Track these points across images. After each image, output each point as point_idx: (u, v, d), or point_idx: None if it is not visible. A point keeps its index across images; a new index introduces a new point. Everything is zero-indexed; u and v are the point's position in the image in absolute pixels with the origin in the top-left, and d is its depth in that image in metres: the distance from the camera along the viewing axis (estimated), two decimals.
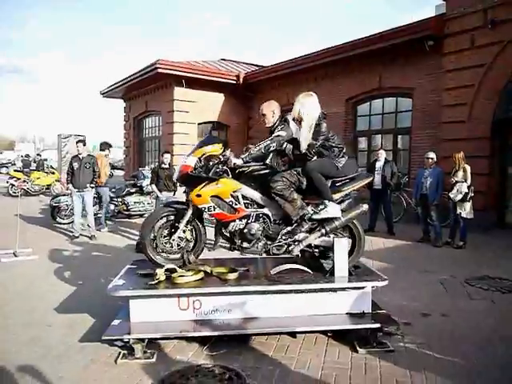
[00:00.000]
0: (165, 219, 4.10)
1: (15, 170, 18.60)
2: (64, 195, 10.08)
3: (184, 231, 4.03)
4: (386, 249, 7.78)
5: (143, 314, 3.65)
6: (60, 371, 3.23)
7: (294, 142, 3.98)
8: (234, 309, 3.74)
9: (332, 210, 3.86)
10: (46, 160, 22.64)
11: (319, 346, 3.68)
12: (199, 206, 3.89)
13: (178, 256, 4.08)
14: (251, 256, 4.34)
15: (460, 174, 7.68)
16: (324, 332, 3.83)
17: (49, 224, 9.90)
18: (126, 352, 3.48)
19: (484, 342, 3.79)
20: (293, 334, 3.81)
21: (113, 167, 32.89)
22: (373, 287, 3.94)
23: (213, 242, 4.18)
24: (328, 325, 3.72)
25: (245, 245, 4.00)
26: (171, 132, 16.28)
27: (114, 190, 10.81)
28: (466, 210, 7.61)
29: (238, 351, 3.55)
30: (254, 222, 3.93)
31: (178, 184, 6.70)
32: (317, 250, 4.23)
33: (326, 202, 3.86)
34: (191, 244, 4.13)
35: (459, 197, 7.54)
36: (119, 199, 10.66)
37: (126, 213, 10.71)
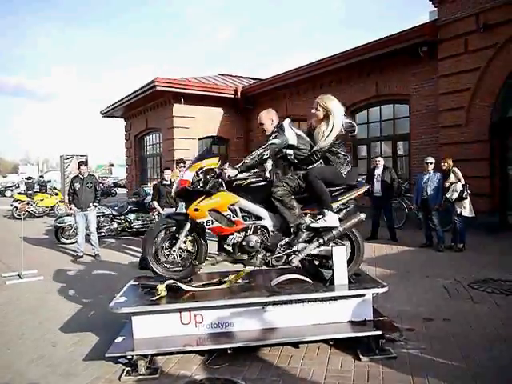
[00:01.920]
0: (167, 230, 4.11)
1: (19, 193, 18.75)
2: (68, 215, 10.16)
3: (185, 242, 4.04)
4: (389, 255, 7.78)
5: (146, 330, 3.68)
6: None
7: (295, 148, 3.98)
8: (236, 321, 3.77)
9: (330, 219, 3.88)
10: (49, 181, 22.83)
11: (322, 355, 3.69)
12: (197, 220, 3.91)
13: (180, 268, 4.10)
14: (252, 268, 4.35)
15: (452, 176, 7.85)
16: (326, 341, 3.82)
17: (53, 245, 9.97)
18: (129, 369, 3.50)
19: (488, 345, 3.78)
20: (295, 344, 3.82)
21: (116, 185, 33.17)
22: (373, 294, 3.95)
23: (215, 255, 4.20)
24: (329, 333, 3.73)
25: (244, 257, 4.01)
26: (172, 148, 16.42)
27: (116, 207, 10.89)
28: (466, 209, 7.69)
29: (242, 363, 3.56)
30: (253, 234, 3.95)
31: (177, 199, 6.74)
32: (317, 261, 4.26)
33: (325, 211, 3.89)
34: (193, 255, 4.11)
35: (455, 195, 7.67)
36: (122, 217, 10.72)
37: (129, 230, 10.77)
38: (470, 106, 9.97)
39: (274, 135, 3.99)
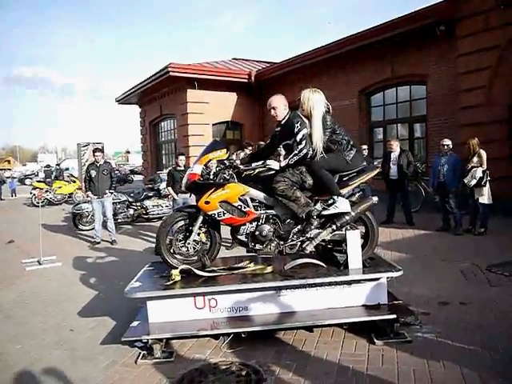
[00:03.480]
0: (181, 223, 4.14)
1: (38, 181, 19.08)
2: (85, 202, 10.29)
3: (198, 234, 4.07)
4: (405, 239, 7.70)
5: (161, 315, 3.72)
6: (83, 373, 3.33)
7: None
8: (250, 306, 3.78)
9: (341, 205, 3.84)
10: (67, 169, 23.13)
11: (336, 339, 3.69)
12: (209, 213, 3.90)
13: (195, 259, 4.12)
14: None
15: (475, 159, 7.56)
16: (340, 325, 3.82)
17: (71, 231, 10.13)
18: (145, 352, 3.56)
19: (505, 330, 3.72)
20: (309, 328, 3.82)
21: (132, 172, 33.45)
22: (388, 278, 3.92)
23: (230, 241, 4.21)
24: (343, 317, 3.71)
25: (258, 247, 4.01)
26: (186, 134, 16.44)
27: (132, 194, 10.98)
28: (484, 196, 7.47)
29: (256, 347, 3.58)
30: (265, 223, 3.95)
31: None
32: (330, 245, 4.23)
33: (335, 197, 3.86)
34: (207, 246, 4.16)
35: (473, 182, 7.41)
36: (138, 203, 10.82)
37: (145, 216, 10.86)
38: (490, 85, 9.67)
39: (298, 125, 3.81)
